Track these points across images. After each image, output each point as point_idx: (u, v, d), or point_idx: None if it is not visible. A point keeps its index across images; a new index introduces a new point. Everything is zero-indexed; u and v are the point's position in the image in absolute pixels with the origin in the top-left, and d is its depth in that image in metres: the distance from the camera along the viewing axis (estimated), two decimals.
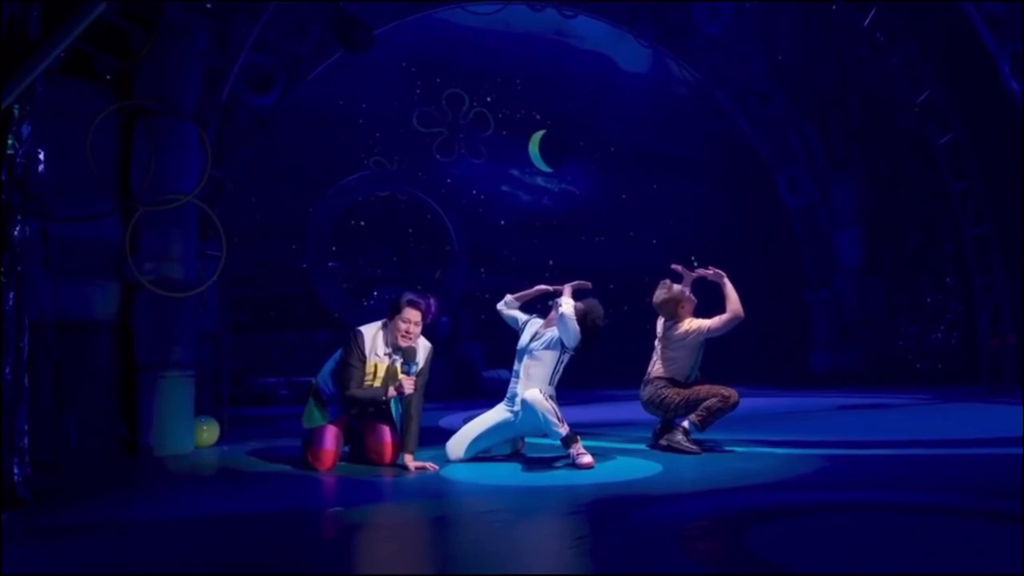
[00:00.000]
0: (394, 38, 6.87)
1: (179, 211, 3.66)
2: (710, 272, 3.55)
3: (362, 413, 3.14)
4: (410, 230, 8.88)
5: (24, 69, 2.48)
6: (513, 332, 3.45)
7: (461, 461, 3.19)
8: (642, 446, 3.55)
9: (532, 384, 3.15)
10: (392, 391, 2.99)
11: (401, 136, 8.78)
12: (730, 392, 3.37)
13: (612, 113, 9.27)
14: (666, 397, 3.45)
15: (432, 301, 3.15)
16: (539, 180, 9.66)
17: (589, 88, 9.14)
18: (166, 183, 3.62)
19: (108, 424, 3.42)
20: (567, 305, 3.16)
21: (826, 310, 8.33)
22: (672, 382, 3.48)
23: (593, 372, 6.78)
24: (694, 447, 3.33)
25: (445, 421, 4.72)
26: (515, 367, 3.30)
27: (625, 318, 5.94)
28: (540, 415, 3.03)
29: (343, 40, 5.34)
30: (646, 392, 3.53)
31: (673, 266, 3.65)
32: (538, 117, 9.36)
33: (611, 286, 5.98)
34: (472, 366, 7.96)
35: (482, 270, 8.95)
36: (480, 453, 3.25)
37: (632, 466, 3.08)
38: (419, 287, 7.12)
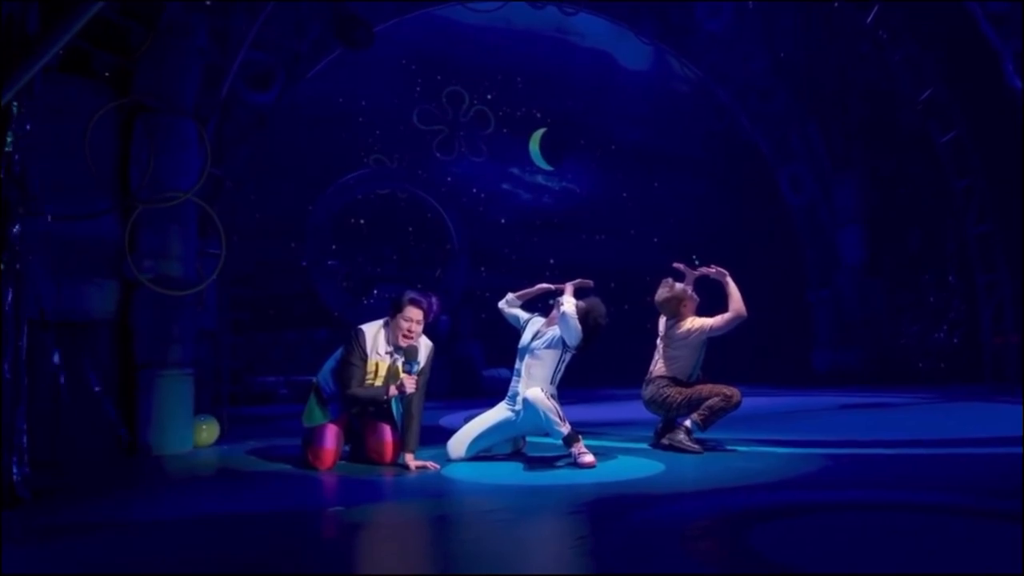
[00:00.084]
0: (394, 35, 6.85)
1: (178, 209, 3.65)
2: (712, 271, 3.53)
3: (362, 412, 3.13)
4: (410, 228, 8.87)
5: (23, 66, 2.46)
6: (514, 331, 3.44)
7: (462, 460, 3.18)
8: (644, 445, 3.54)
9: (533, 383, 3.15)
10: (393, 390, 2.98)
11: (401, 134, 8.76)
12: (732, 391, 3.36)
13: (613, 111, 9.25)
14: (668, 396, 3.44)
15: (434, 300, 3.14)
16: (540, 178, 9.64)
17: (590, 86, 9.12)
18: (165, 181, 3.60)
19: (107, 423, 3.41)
20: (568, 304, 3.15)
21: (828, 309, 8.31)
22: (674, 381, 3.47)
23: (595, 371, 6.79)
24: (696, 446, 3.32)
25: (446, 420, 4.71)
26: (516, 366, 3.29)
27: (626, 317, 5.93)
28: (541, 414, 3.02)
29: (343, 37, 5.33)
30: (648, 391, 3.52)
31: (675, 265, 3.64)
32: (539, 115, 9.34)
33: (612, 285, 5.98)
34: (472, 365, 7.96)
35: (482, 269, 8.94)
36: (481, 452, 3.24)
37: (634, 465, 3.07)
38: (419, 286, 7.11)
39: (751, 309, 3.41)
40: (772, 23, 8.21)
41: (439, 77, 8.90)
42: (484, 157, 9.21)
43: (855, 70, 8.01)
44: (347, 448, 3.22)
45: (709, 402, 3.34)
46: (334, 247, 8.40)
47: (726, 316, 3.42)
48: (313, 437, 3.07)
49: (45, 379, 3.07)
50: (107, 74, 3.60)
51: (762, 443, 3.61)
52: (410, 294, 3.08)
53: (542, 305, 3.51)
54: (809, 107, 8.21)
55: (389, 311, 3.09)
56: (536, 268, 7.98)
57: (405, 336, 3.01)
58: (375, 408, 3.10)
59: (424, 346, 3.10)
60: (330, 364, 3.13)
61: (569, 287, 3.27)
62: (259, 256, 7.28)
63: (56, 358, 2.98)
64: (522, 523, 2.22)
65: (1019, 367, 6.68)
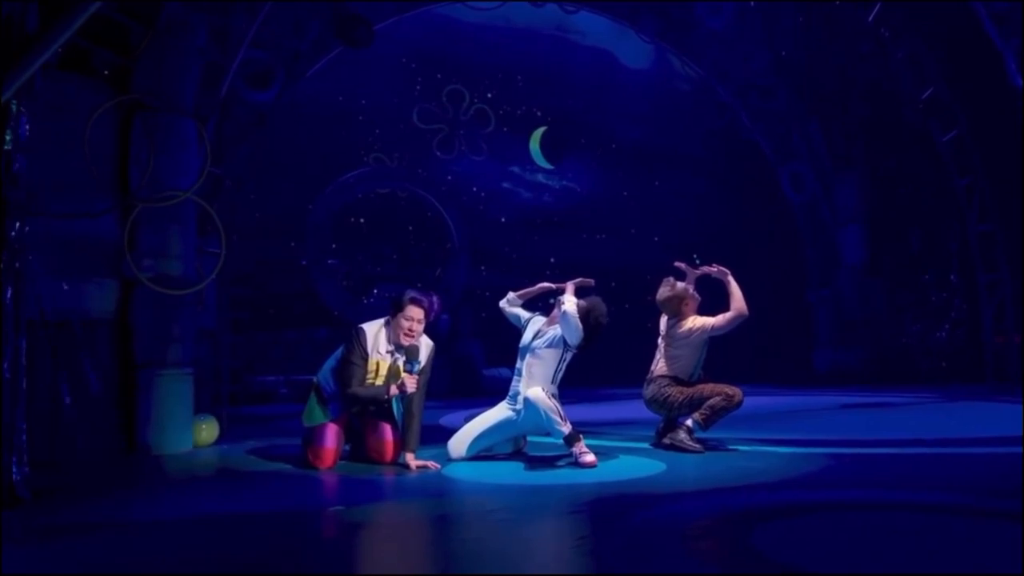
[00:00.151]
0: (394, 34, 6.83)
1: (178, 208, 3.64)
2: (714, 270, 3.52)
3: (363, 411, 3.12)
4: (410, 227, 8.85)
5: (22, 64, 2.45)
6: (515, 330, 3.43)
7: (463, 460, 3.17)
8: (645, 445, 3.53)
9: (534, 382, 3.14)
10: (394, 389, 2.98)
11: (401, 132, 8.74)
12: (734, 391, 3.35)
13: (613, 109, 9.22)
14: (669, 396, 3.43)
15: (435, 299, 3.13)
16: (540, 177, 9.62)
17: (590, 84, 9.09)
18: (165, 180, 3.59)
19: (107, 423, 3.41)
20: (570, 303, 3.14)
21: (828, 308, 8.29)
22: (675, 380, 3.46)
23: (596, 370, 6.78)
24: (697, 446, 3.32)
25: (446, 420, 4.70)
26: (517, 365, 3.28)
27: (627, 316, 5.92)
28: (542, 413, 3.01)
29: (343, 36, 5.31)
30: (649, 390, 3.52)
31: (677, 264, 3.63)
32: (539, 113, 9.31)
33: (612, 284, 5.96)
34: (472, 364, 7.95)
35: (483, 268, 8.93)
36: (482, 452, 3.24)
37: (635, 465, 3.06)
38: (419, 285, 7.11)
39: (751, 308, 3.40)
40: (773, 21, 8.19)
41: (439, 75, 8.87)
42: (484, 156, 9.20)
43: (856, 68, 7.98)
44: (347, 447, 3.22)
45: (710, 401, 3.33)
46: (334, 246, 8.39)
47: (728, 315, 3.41)
48: (313, 436, 3.07)
49: (45, 379, 3.07)
50: (106, 72, 3.59)
51: (763, 443, 3.60)
52: (411, 293, 3.08)
53: (543, 304, 3.50)
54: (810, 106, 8.19)
55: (390, 310, 3.09)
56: (536, 267, 7.96)
57: (406, 335, 3.01)
58: (375, 407, 3.09)
59: (425, 345, 3.09)
60: (330, 363, 3.13)
61: (570, 286, 3.26)
62: (259, 255, 7.27)
63: (55, 358, 2.98)
64: (523, 523, 2.21)
65: (1020, 367, 6.66)
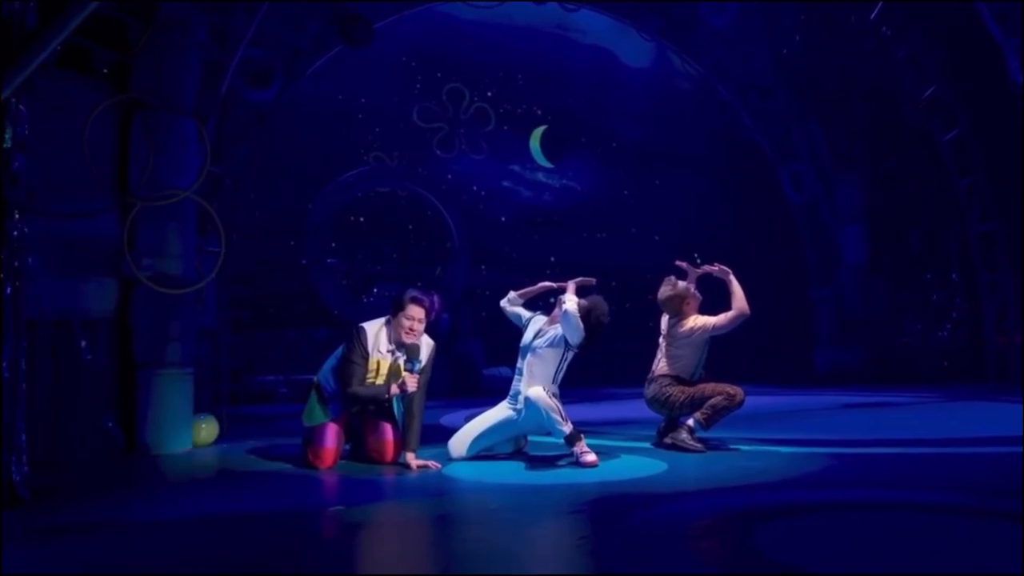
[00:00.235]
0: (394, 32, 6.80)
1: (177, 207, 3.63)
2: (716, 269, 3.51)
3: (363, 411, 3.12)
4: (410, 226, 8.83)
5: (21, 61, 2.44)
6: (515, 329, 3.43)
7: (463, 459, 3.17)
8: (646, 444, 3.53)
9: (535, 382, 3.14)
10: (395, 389, 2.97)
11: (401, 131, 8.71)
12: (736, 390, 3.35)
13: (614, 108, 9.19)
14: (671, 395, 3.42)
15: (436, 298, 3.12)
16: (540, 176, 9.60)
17: (591, 83, 9.06)
18: (164, 179, 3.58)
19: (106, 422, 3.40)
20: (571, 302, 3.13)
21: (829, 308, 8.28)
22: (677, 380, 3.45)
23: (597, 370, 6.77)
24: (699, 445, 3.31)
25: (446, 419, 4.70)
26: (518, 364, 3.28)
27: (628, 315, 5.91)
28: (543, 413, 3.01)
29: (343, 34, 5.29)
30: (650, 390, 3.51)
31: (678, 263, 3.62)
32: (539, 112, 9.29)
33: (613, 283, 5.94)
34: (472, 363, 7.94)
35: (483, 267, 8.91)
36: (483, 451, 3.23)
37: (636, 464, 3.06)
38: (419, 284, 7.09)
39: (752, 308, 3.39)
40: (774, 20, 8.16)
41: (439, 74, 8.85)
42: (484, 154, 9.18)
43: (857, 68, 7.96)
44: (348, 447, 3.21)
45: (712, 401, 3.33)
46: (334, 245, 8.37)
47: (729, 314, 3.41)
48: (314, 436, 3.06)
49: (44, 378, 3.06)
50: (105, 71, 3.58)
51: (765, 442, 3.59)
52: (412, 292, 3.07)
53: (544, 303, 3.50)
54: (811, 105, 8.17)
55: (391, 309, 3.08)
56: (537, 266, 7.94)
57: (407, 334, 3.00)
58: (376, 407, 3.09)
59: (426, 344, 3.08)
60: (331, 362, 3.12)
61: (571, 285, 3.25)
62: (258, 254, 7.25)
63: (55, 357, 2.97)
64: (524, 522, 2.21)
65: (1022, 366, 6.65)
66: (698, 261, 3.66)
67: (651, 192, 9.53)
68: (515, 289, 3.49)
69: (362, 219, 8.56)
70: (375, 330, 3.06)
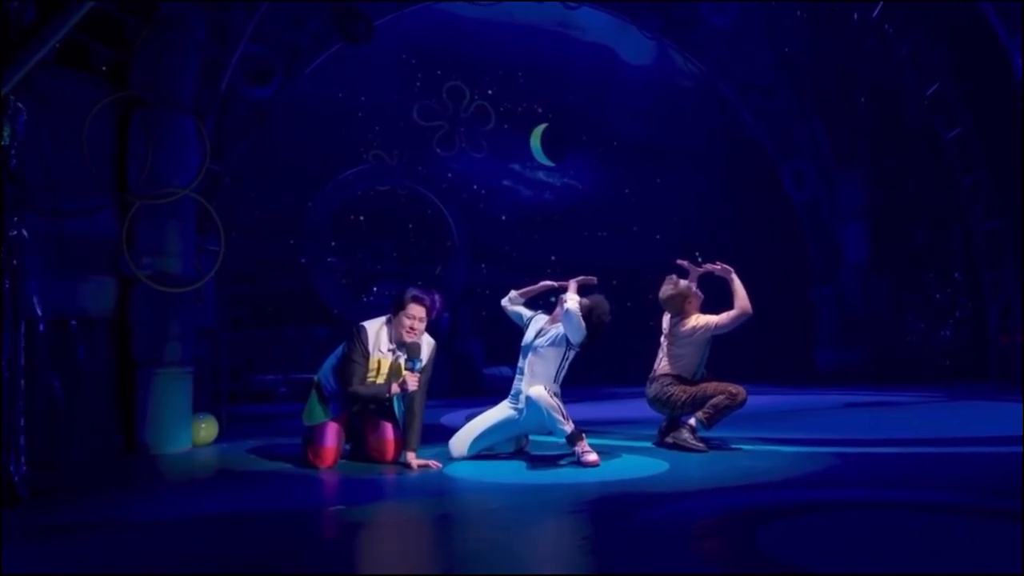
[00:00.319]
0: (394, 29, 6.78)
1: (177, 205, 3.61)
2: (717, 267, 3.50)
3: (363, 410, 3.11)
4: (410, 225, 8.82)
5: (20, 58, 2.43)
6: (515, 328, 3.41)
7: (464, 459, 3.16)
8: (648, 444, 3.52)
9: (537, 381, 3.13)
10: (395, 388, 2.96)
11: (401, 130, 8.69)
12: (738, 389, 3.33)
13: (615, 106, 9.16)
14: (672, 394, 3.41)
15: (437, 297, 3.11)
16: (541, 174, 9.58)
17: (592, 81, 9.04)
18: (163, 177, 3.57)
19: (105, 422, 3.39)
20: (572, 301, 3.12)
21: (831, 306, 8.25)
22: (678, 379, 3.44)
23: (598, 369, 6.75)
24: (701, 445, 3.30)
25: (447, 418, 4.69)
26: (519, 364, 3.27)
27: (629, 314, 5.89)
28: (545, 412, 3.00)
29: (342, 31, 5.27)
30: (652, 389, 3.50)
31: (679, 261, 3.60)
32: (540, 110, 9.26)
33: (614, 282, 5.92)
34: (472, 363, 7.93)
35: (483, 266, 8.89)
36: (484, 451, 3.23)
37: (638, 464, 3.05)
38: (419, 283, 7.07)
39: (753, 307, 3.38)
40: (775, 19, 8.13)
41: (439, 72, 8.83)
42: (485, 153, 9.15)
43: (861, 64, 7.92)
44: (348, 447, 3.20)
45: (714, 400, 3.31)
46: (333, 244, 8.36)
47: (731, 313, 3.39)
48: (314, 435, 3.05)
49: (43, 378, 3.05)
50: (104, 68, 3.56)
51: (767, 442, 3.59)
52: (413, 291, 3.06)
53: (544, 302, 3.48)
54: (813, 103, 8.14)
55: (392, 308, 3.07)
56: (537, 265, 7.93)
57: (408, 333, 2.99)
58: (376, 406, 3.08)
59: (426, 343, 3.07)
60: (331, 361, 3.11)
61: (572, 284, 3.24)
62: (258, 253, 7.24)
63: (54, 356, 2.95)
64: (525, 522, 2.20)
65: (1022, 366, 6.63)
66: (699, 260, 3.64)
67: (652, 191, 9.50)
68: (516, 288, 3.48)
69: (362, 218, 8.54)
70: (376, 329, 3.05)
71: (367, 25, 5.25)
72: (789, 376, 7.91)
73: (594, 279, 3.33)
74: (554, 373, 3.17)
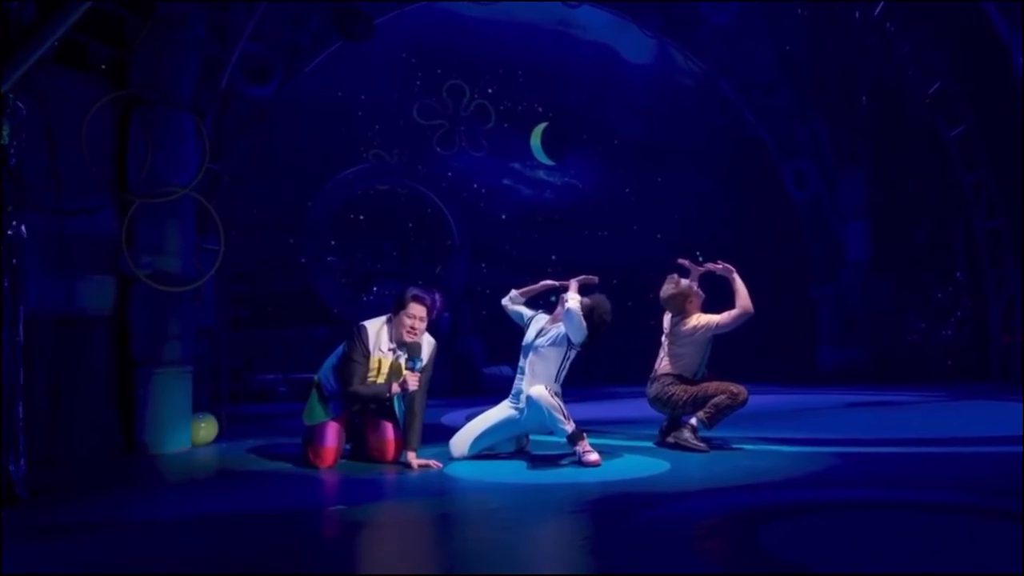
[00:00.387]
0: (394, 28, 6.77)
1: (176, 204, 3.61)
2: (719, 267, 3.49)
3: (364, 410, 3.10)
4: (410, 224, 8.81)
5: (19, 57, 2.42)
6: (516, 327, 3.41)
7: (465, 458, 3.16)
8: (649, 444, 3.51)
9: (537, 381, 3.12)
10: (396, 387, 2.95)
11: (401, 129, 8.68)
12: (739, 389, 3.32)
13: (615, 105, 9.15)
14: (673, 394, 3.40)
15: (437, 297, 3.10)
16: (541, 173, 9.57)
17: (592, 79, 9.02)
18: (163, 175, 3.56)
19: (104, 421, 3.38)
20: (573, 300, 3.12)
21: (832, 306, 8.24)
22: (679, 379, 3.43)
23: (599, 369, 6.74)
24: (702, 445, 3.29)
25: (447, 418, 4.69)
26: (520, 363, 3.26)
27: (630, 314, 5.88)
28: (545, 412, 2.99)
29: (343, 30, 5.26)
30: (653, 389, 3.49)
31: (680, 260, 3.59)
32: (540, 109, 9.25)
33: (615, 281, 5.91)
34: (473, 362, 7.92)
35: (483, 265, 8.88)
36: (484, 450, 3.22)
37: (639, 464, 3.05)
38: (420, 282, 7.06)
39: (754, 306, 3.37)
40: (776, 17, 8.11)
41: (439, 71, 8.81)
42: (485, 152, 9.14)
43: (862, 63, 7.90)
44: (348, 446, 3.20)
45: (715, 400, 3.30)
46: (333, 243, 8.35)
47: (733, 313, 3.38)
48: (314, 435, 3.05)
49: (42, 377, 3.04)
50: (103, 66, 3.55)
51: (768, 441, 3.58)
52: (414, 291, 3.05)
53: (545, 302, 3.47)
54: (814, 101, 8.12)
55: (392, 307, 3.06)
56: (538, 264, 7.92)
57: (409, 333, 2.98)
58: (377, 405, 3.07)
59: (427, 343, 3.07)
60: (331, 361, 3.11)
61: (573, 284, 3.24)
62: (258, 252, 7.23)
63: (53, 355, 2.95)
64: (526, 522, 2.20)
65: (1022, 366, 6.61)
66: (700, 259, 3.63)
67: (653, 190, 9.48)
68: (516, 287, 3.47)
69: (362, 217, 8.53)
70: (376, 328, 3.04)
71: (367, 24, 5.24)
72: (790, 376, 7.89)
73: (595, 278, 3.32)
74: (555, 373, 3.17)
